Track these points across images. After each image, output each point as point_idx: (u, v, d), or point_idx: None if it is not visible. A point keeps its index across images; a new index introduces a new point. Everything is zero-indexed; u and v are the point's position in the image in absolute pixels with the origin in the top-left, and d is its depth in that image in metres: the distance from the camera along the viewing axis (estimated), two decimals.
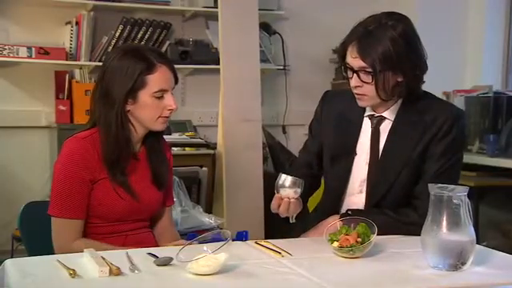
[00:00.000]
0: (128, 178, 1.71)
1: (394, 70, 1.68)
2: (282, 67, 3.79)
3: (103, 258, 1.40)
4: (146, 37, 3.40)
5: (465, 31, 4.00)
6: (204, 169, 3.25)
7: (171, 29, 3.53)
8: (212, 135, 3.47)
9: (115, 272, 1.34)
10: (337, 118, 1.86)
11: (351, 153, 1.81)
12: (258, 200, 3.08)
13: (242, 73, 3.20)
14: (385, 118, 1.79)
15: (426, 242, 1.44)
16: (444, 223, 1.41)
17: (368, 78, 1.68)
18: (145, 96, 1.67)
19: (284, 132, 3.85)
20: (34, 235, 1.85)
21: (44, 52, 3.22)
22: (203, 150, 3.28)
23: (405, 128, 1.76)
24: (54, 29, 3.35)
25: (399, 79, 1.70)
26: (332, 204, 1.86)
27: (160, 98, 1.69)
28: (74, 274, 1.33)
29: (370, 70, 1.67)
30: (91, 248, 1.53)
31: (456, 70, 3.93)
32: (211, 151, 3.28)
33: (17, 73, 3.33)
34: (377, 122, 1.79)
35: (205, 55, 3.51)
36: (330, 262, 1.49)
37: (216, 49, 3.48)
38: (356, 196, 1.82)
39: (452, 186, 1.43)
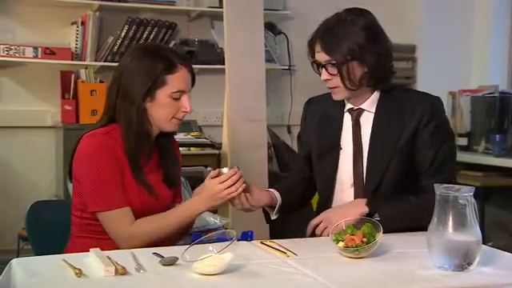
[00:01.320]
0: (147, 175, 1.73)
1: (358, 61, 1.75)
2: (287, 67, 3.78)
3: (109, 258, 1.40)
4: (152, 37, 3.40)
5: (471, 31, 3.98)
6: (209, 169, 3.24)
7: (176, 29, 3.53)
8: (217, 135, 3.47)
9: (121, 272, 1.35)
10: (320, 119, 1.93)
11: (336, 147, 1.86)
12: None
13: (247, 73, 3.20)
14: (364, 109, 1.84)
15: (432, 242, 1.43)
16: (450, 223, 1.40)
17: (334, 71, 1.77)
18: (162, 95, 1.69)
19: (289, 132, 3.85)
20: (40, 234, 1.86)
21: (50, 52, 3.23)
22: (208, 150, 3.29)
23: (387, 119, 1.82)
24: (60, 29, 3.36)
25: (365, 69, 1.77)
26: (324, 201, 1.90)
27: (177, 99, 1.70)
28: (79, 273, 1.33)
29: (334, 62, 1.75)
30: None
31: (462, 70, 3.91)
32: (216, 151, 3.29)
33: (23, 73, 3.34)
34: (356, 115, 1.85)
35: (210, 55, 3.51)
36: (336, 262, 1.49)
37: (221, 49, 3.48)
38: (347, 190, 1.85)
39: (457, 186, 1.43)
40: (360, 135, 1.84)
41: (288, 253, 1.55)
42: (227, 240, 1.43)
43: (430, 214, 1.58)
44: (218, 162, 3.27)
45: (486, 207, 3.29)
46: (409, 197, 1.77)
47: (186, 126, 3.49)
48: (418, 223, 1.68)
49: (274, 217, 1.88)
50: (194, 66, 3.74)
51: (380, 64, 1.78)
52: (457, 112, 3.60)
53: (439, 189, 1.43)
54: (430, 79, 3.87)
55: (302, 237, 1.82)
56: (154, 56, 1.69)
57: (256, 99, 3.21)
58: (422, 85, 3.92)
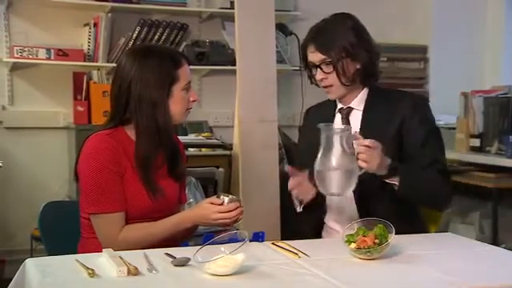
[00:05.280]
0: (155, 176, 1.74)
1: (351, 58, 1.86)
2: (297, 68, 3.78)
3: (121, 258, 1.41)
4: (163, 38, 3.42)
5: (483, 31, 3.96)
6: (220, 169, 3.26)
7: (188, 30, 3.54)
8: (228, 136, 3.47)
9: (133, 272, 1.36)
10: (315, 123, 1.93)
11: None
12: (275, 201, 3.07)
13: (258, 73, 3.20)
14: (353, 108, 1.94)
15: (323, 175, 1.63)
16: (331, 155, 1.62)
17: (329, 69, 1.87)
18: (177, 90, 1.73)
19: (300, 133, 3.84)
20: (53, 235, 1.87)
21: (62, 53, 3.26)
22: (219, 151, 3.29)
23: (374, 115, 1.91)
24: (73, 30, 3.39)
25: (357, 66, 1.88)
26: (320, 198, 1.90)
27: (187, 90, 1.76)
28: (92, 273, 1.34)
29: (329, 60, 1.86)
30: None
31: (474, 71, 3.89)
32: (227, 152, 3.29)
33: (36, 74, 3.37)
34: (346, 113, 1.94)
35: (221, 56, 3.52)
36: (347, 264, 1.49)
37: (232, 50, 3.48)
38: None
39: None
40: None
41: (300, 254, 1.55)
42: (239, 241, 1.43)
43: (439, 190, 1.82)
44: (229, 162, 3.27)
45: (499, 209, 3.26)
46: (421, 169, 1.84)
47: (197, 126, 3.50)
48: (429, 198, 1.84)
49: (299, 210, 1.90)
50: (204, 67, 3.79)
51: (371, 61, 1.89)
52: (469, 113, 3.57)
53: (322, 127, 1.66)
54: (442, 80, 3.85)
55: (313, 238, 1.82)
56: (158, 56, 1.73)
57: (267, 100, 3.21)
58: (434, 85, 3.91)
